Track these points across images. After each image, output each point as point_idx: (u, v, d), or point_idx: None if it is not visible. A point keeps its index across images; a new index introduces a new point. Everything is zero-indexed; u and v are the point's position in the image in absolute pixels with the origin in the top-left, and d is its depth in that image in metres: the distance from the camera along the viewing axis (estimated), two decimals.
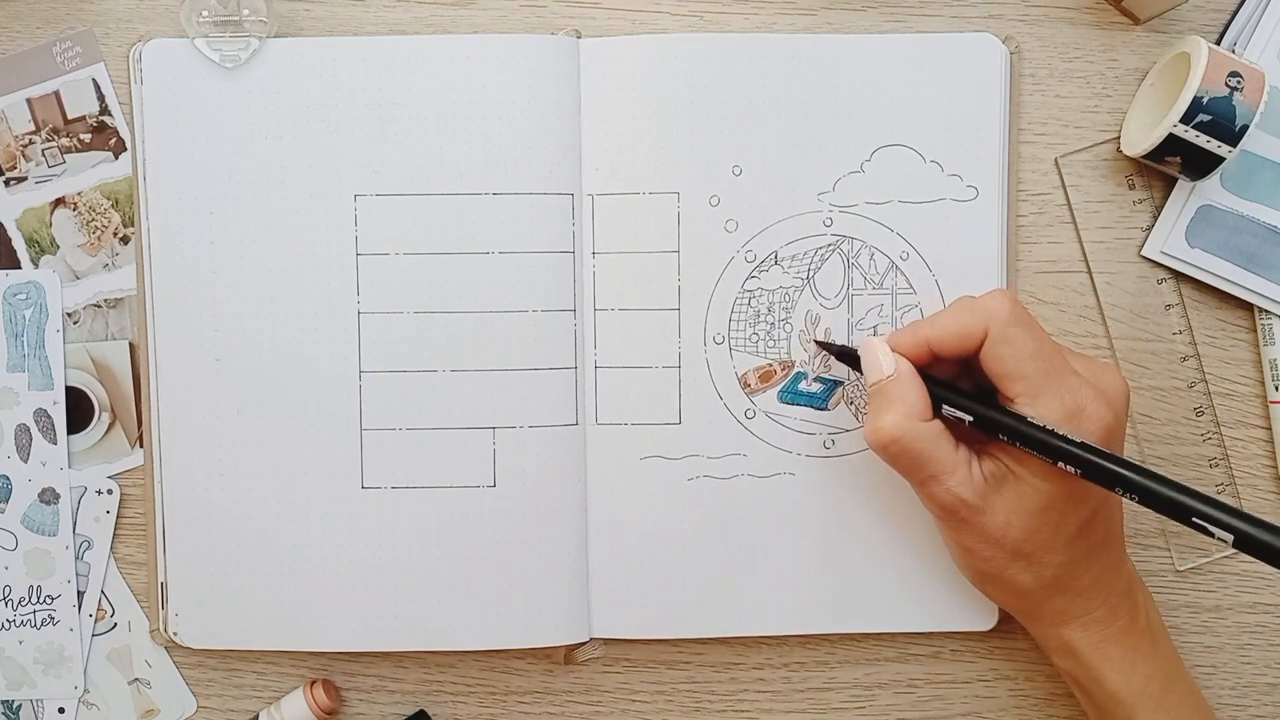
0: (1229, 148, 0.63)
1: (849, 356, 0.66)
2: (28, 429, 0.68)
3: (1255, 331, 0.69)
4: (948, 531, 0.62)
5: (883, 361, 0.61)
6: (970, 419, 0.60)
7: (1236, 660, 0.70)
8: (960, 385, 0.62)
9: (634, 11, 0.68)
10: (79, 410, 0.68)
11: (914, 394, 0.60)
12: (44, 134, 0.68)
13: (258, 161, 0.66)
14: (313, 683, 0.69)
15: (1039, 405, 0.58)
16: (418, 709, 0.70)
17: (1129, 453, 0.69)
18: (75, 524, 0.69)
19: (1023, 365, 0.58)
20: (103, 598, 0.69)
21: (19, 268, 0.68)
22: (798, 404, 0.67)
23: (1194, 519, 0.55)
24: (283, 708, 0.68)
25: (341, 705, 0.70)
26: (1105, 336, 0.69)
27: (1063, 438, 0.57)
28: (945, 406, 0.61)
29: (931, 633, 0.70)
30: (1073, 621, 0.62)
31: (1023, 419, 0.58)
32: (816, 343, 0.67)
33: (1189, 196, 0.68)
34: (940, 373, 0.62)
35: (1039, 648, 0.67)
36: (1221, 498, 0.69)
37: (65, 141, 0.68)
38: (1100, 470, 0.56)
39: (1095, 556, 0.61)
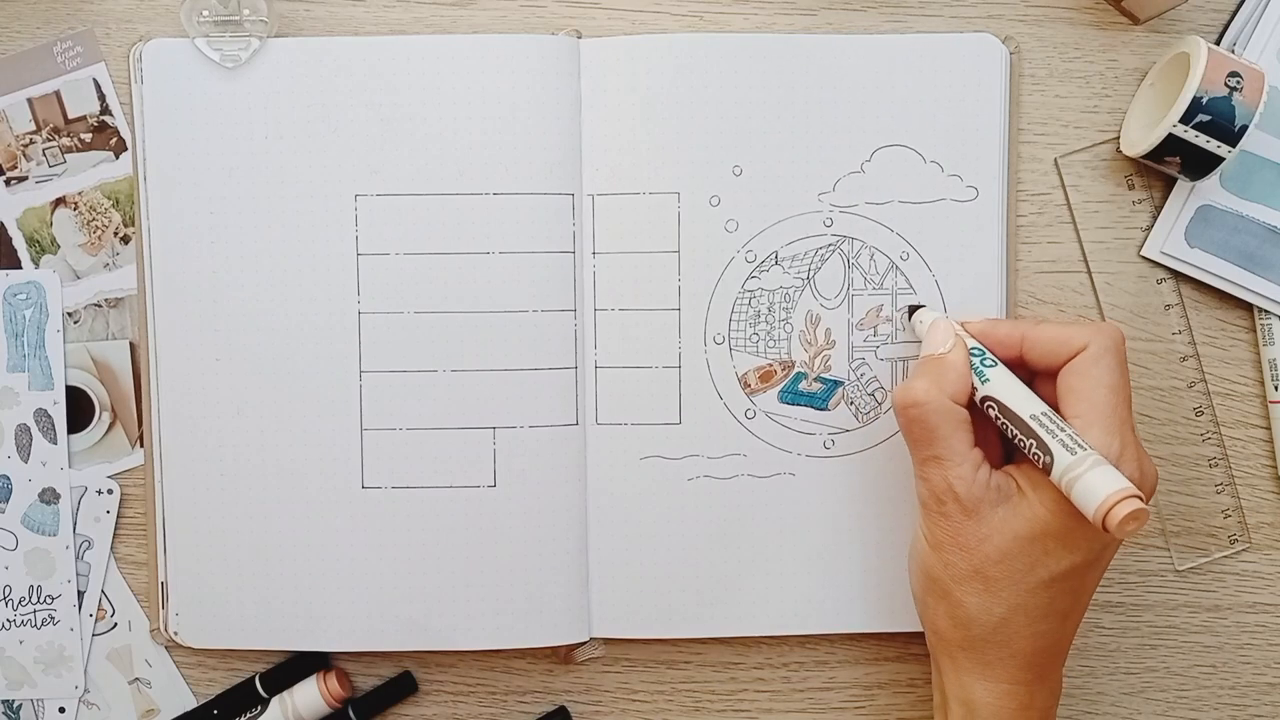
0: (1228, 148, 0.63)
1: (911, 309, 0.66)
2: (28, 429, 0.68)
3: (1255, 331, 0.69)
4: (926, 522, 0.61)
5: (943, 339, 0.61)
6: (1000, 403, 0.59)
7: (1236, 660, 0.70)
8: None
9: (634, 11, 0.68)
10: (79, 410, 0.68)
11: (956, 374, 0.60)
12: (45, 134, 0.68)
13: (258, 161, 0.66)
14: (325, 671, 0.69)
15: (1091, 433, 0.57)
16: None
17: None
18: (75, 524, 0.69)
19: (1099, 392, 0.58)
20: (103, 597, 0.69)
21: (19, 267, 0.68)
22: (798, 404, 0.67)
23: None
24: (295, 695, 0.68)
25: (353, 695, 0.70)
26: None
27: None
28: (988, 405, 0.60)
29: None
30: (985, 681, 0.61)
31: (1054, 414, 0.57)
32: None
33: (1188, 197, 0.68)
34: None
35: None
36: (1221, 498, 0.69)
37: (66, 141, 0.68)
38: None
39: (1047, 621, 0.60)
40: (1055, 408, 0.58)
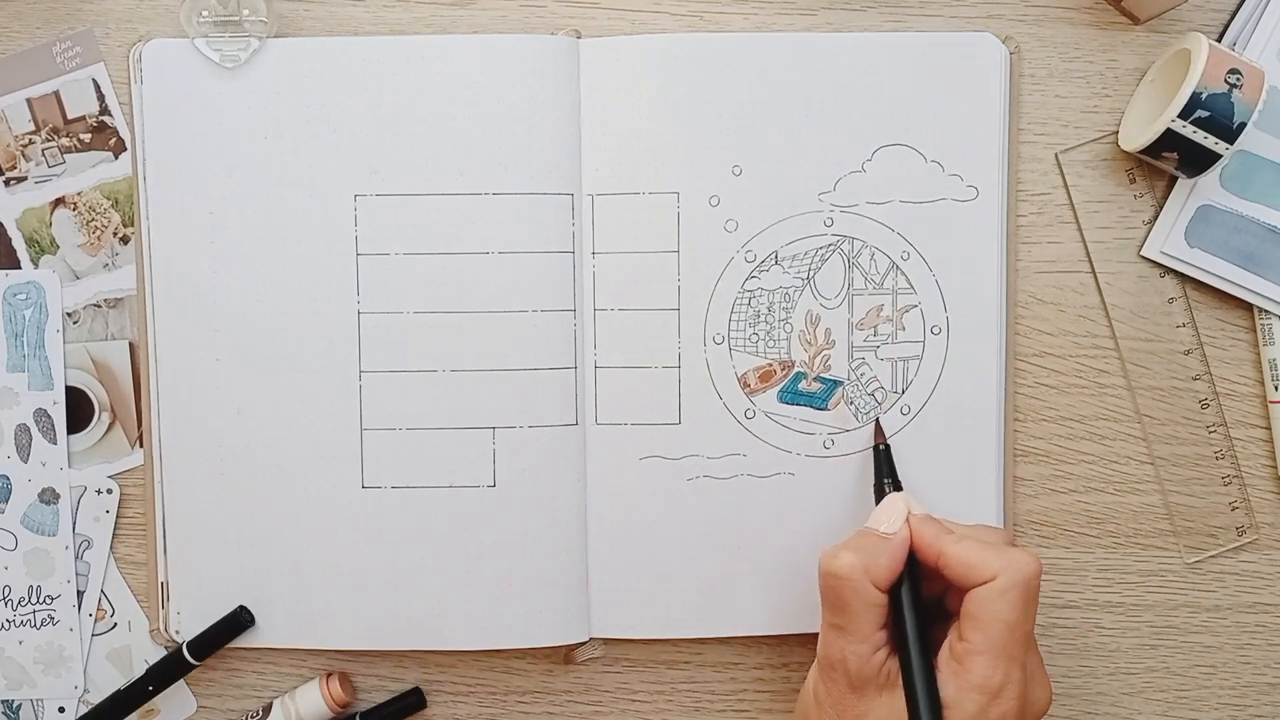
0: (1226, 145, 0.63)
1: (881, 467, 0.66)
2: (28, 429, 0.68)
3: (1255, 331, 0.69)
4: (818, 676, 0.61)
5: (892, 519, 0.61)
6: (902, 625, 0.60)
7: (1236, 660, 0.70)
8: (925, 600, 0.61)
9: (634, 11, 0.68)
10: (79, 410, 0.68)
11: (888, 560, 0.60)
12: (44, 134, 0.68)
13: (258, 161, 0.66)
14: (328, 675, 0.69)
15: (975, 662, 0.57)
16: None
17: (1134, 449, 0.69)
18: (75, 524, 0.69)
19: (995, 625, 0.57)
20: (103, 597, 0.69)
21: (19, 268, 0.68)
22: (797, 404, 0.67)
23: None
24: (297, 698, 0.68)
25: (355, 698, 0.70)
26: (1110, 336, 0.69)
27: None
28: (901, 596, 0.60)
29: None
30: None
31: (930, 676, 0.58)
32: (878, 431, 0.67)
33: (1188, 196, 0.68)
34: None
35: None
36: (1228, 489, 0.69)
37: (65, 141, 0.68)
38: None
39: None
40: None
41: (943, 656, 0.58)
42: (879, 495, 0.65)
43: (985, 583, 0.58)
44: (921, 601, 0.60)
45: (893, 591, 0.60)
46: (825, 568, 0.59)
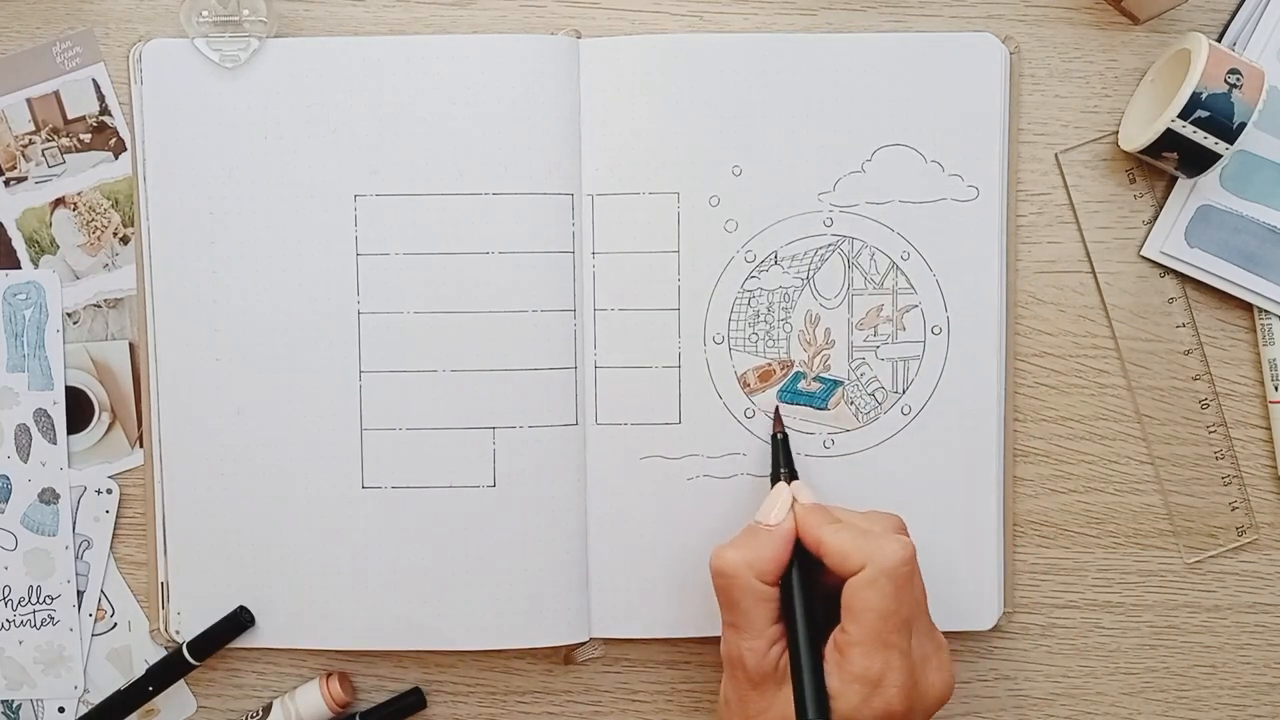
0: (1226, 145, 0.63)
1: (778, 455, 0.66)
2: (28, 429, 0.68)
3: (1255, 331, 0.69)
4: (725, 678, 0.62)
5: (775, 511, 0.62)
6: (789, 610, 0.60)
7: (1236, 660, 0.70)
8: (821, 583, 0.61)
9: (634, 11, 0.68)
10: (79, 410, 0.68)
11: (771, 552, 0.60)
12: (44, 134, 0.68)
13: (258, 161, 0.66)
14: (328, 675, 0.69)
15: (853, 653, 0.57)
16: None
17: (1134, 449, 0.69)
18: (75, 524, 0.69)
19: (867, 615, 0.57)
20: (103, 597, 0.69)
21: (19, 268, 0.68)
22: (797, 403, 0.67)
23: None
24: (297, 698, 0.68)
25: (355, 698, 0.70)
26: (1110, 336, 0.69)
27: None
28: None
29: None
30: None
31: (817, 667, 0.58)
32: (777, 420, 0.67)
33: (1188, 196, 0.68)
34: None
35: (1027, 651, 0.68)
36: (1228, 489, 0.69)
37: (65, 141, 0.68)
38: None
39: None
40: None
41: (829, 648, 0.59)
42: (774, 483, 0.65)
43: (855, 573, 0.58)
44: (814, 593, 0.60)
45: (784, 583, 0.60)
46: (713, 566, 0.60)
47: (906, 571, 0.58)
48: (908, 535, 0.61)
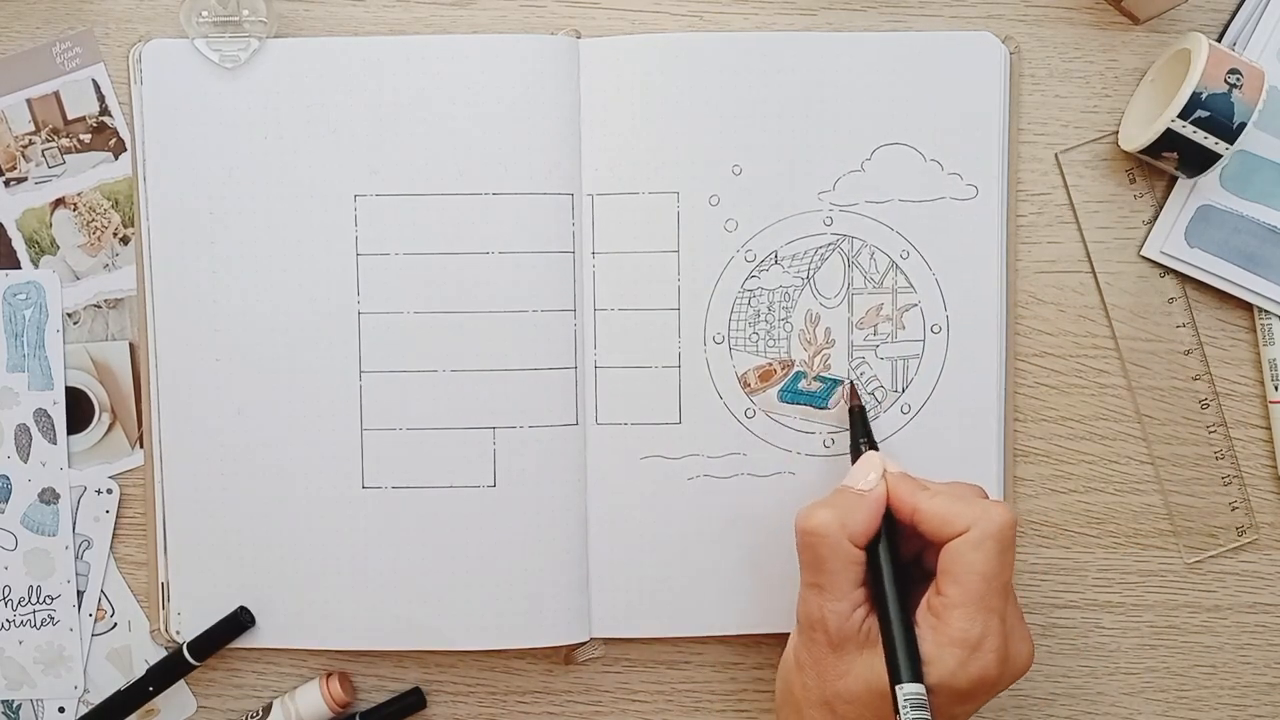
0: (1226, 145, 0.63)
1: (857, 427, 0.66)
2: (28, 429, 0.68)
3: (1255, 331, 0.69)
4: (799, 638, 0.61)
5: (869, 475, 0.61)
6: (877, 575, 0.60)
7: (1236, 660, 0.70)
8: (904, 560, 0.61)
9: (634, 11, 0.68)
10: (79, 411, 0.68)
11: (864, 516, 0.60)
12: (44, 134, 0.68)
13: (258, 161, 0.66)
14: (328, 675, 0.69)
15: (952, 615, 0.57)
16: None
17: (1134, 449, 0.69)
18: (75, 524, 0.69)
19: (970, 577, 0.57)
20: (103, 598, 0.69)
21: (19, 268, 0.68)
22: (797, 403, 0.67)
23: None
24: (297, 698, 0.68)
25: (355, 698, 0.70)
26: (1110, 336, 0.69)
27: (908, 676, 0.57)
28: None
29: None
30: None
31: (908, 624, 0.58)
32: (852, 393, 0.67)
33: (1188, 196, 0.68)
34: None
35: None
36: (1228, 489, 0.69)
37: (65, 142, 0.68)
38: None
39: None
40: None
41: (921, 612, 0.58)
42: (855, 455, 0.65)
43: (959, 535, 0.58)
44: (899, 559, 0.60)
45: (870, 549, 0.60)
46: (802, 525, 0.59)
47: (1012, 536, 0.58)
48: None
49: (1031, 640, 0.60)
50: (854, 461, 0.64)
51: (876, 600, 0.59)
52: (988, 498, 0.62)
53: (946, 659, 0.57)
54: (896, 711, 0.56)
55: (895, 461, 0.63)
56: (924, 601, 0.59)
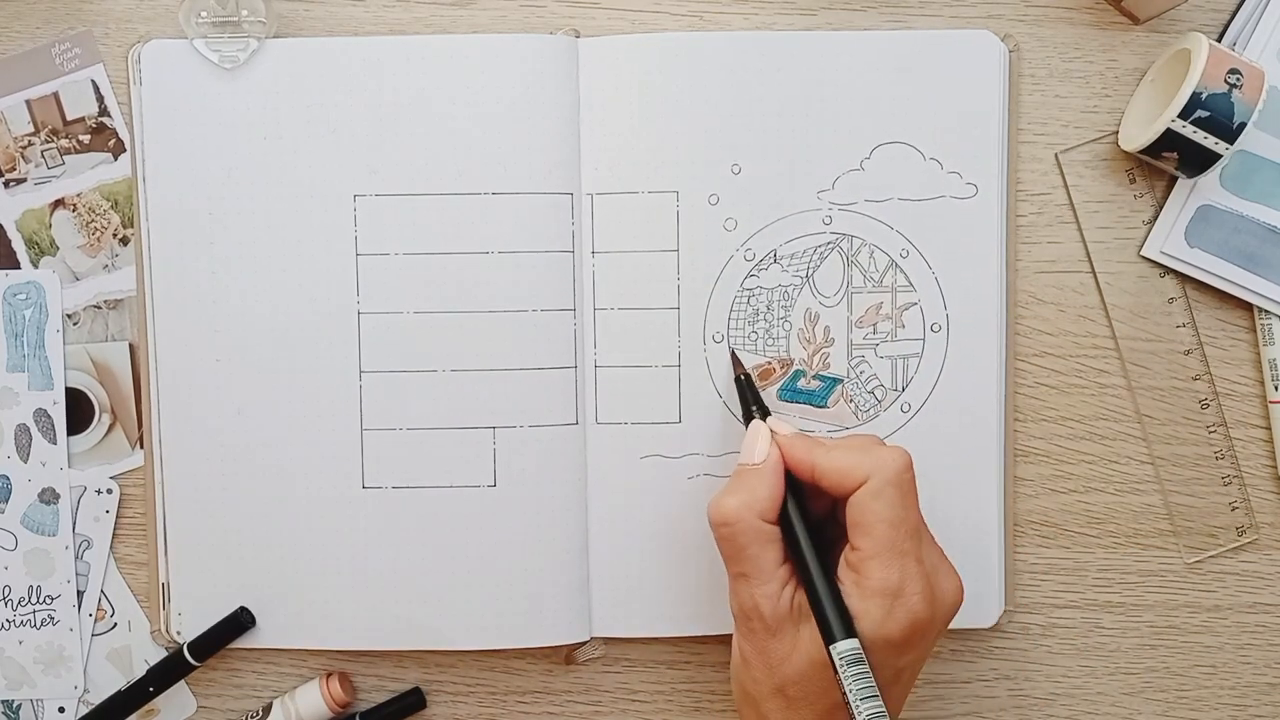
0: (1226, 145, 0.63)
1: (746, 395, 0.65)
2: (27, 429, 0.68)
3: (1255, 331, 0.69)
4: (738, 636, 0.60)
5: (757, 447, 0.61)
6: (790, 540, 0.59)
7: (1236, 660, 0.70)
8: (811, 510, 0.60)
9: (634, 11, 0.68)
10: (79, 411, 0.68)
11: (766, 489, 0.59)
12: (43, 135, 0.68)
13: (257, 161, 0.66)
14: (328, 675, 0.69)
15: (871, 566, 0.57)
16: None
17: (1134, 449, 0.69)
18: (75, 524, 0.69)
19: (878, 526, 0.57)
20: (103, 598, 0.69)
21: (19, 269, 0.68)
22: (797, 402, 0.67)
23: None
24: (297, 698, 0.68)
25: (355, 698, 0.70)
26: (1110, 336, 0.69)
27: (840, 627, 0.56)
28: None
29: None
30: None
31: (831, 583, 0.58)
32: (736, 362, 0.67)
33: (1188, 196, 0.68)
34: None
35: (1027, 651, 0.68)
36: (1228, 489, 0.69)
37: (64, 143, 0.68)
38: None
39: None
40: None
41: (841, 569, 0.58)
42: (747, 425, 0.64)
43: (860, 486, 0.58)
44: (812, 521, 0.60)
45: (782, 520, 0.59)
46: (714, 518, 0.59)
47: (909, 477, 0.58)
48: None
49: (957, 573, 0.60)
50: (744, 402, 0.65)
51: (799, 570, 0.59)
52: (883, 443, 0.62)
53: (873, 610, 0.56)
54: (836, 672, 0.55)
55: (787, 423, 0.62)
56: (841, 559, 0.58)
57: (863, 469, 0.58)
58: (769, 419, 0.63)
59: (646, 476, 0.67)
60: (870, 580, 0.57)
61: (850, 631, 0.56)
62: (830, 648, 0.56)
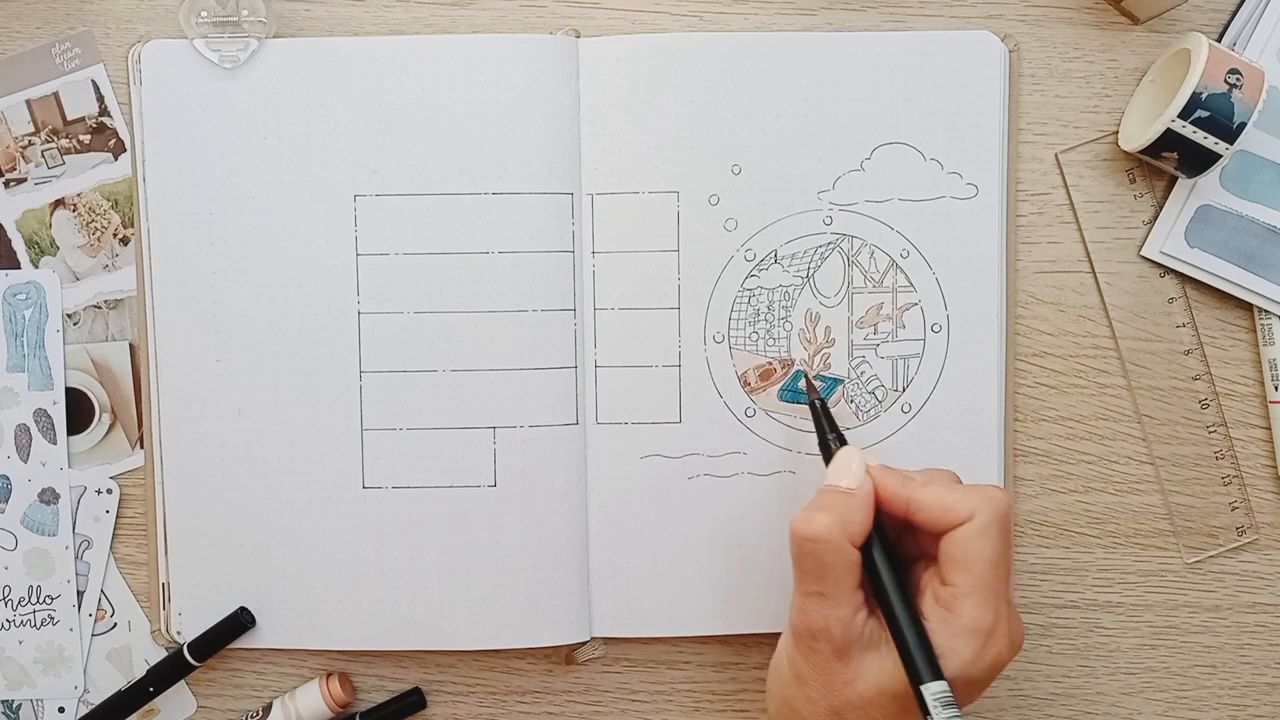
0: (1226, 145, 0.63)
1: (821, 422, 0.64)
2: (28, 429, 0.68)
3: (1255, 331, 0.69)
4: (795, 652, 0.59)
5: (853, 472, 0.59)
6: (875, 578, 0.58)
7: (1236, 660, 0.70)
8: (894, 546, 0.60)
9: (634, 11, 0.68)
10: (79, 411, 0.68)
11: (860, 516, 0.58)
12: (43, 135, 0.68)
13: (258, 162, 0.66)
14: (328, 675, 0.69)
15: (965, 604, 0.56)
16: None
17: (1134, 449, 0.69)
18: (75, 524, 0.69)
19: (978, 565, 0.56)
20: (103, 598, 0.69)
21: (19, 269, 0.68)
22: (798, 402, 0.67)
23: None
24: (297, 698, 0.68)
25: (355, 698, 0.70)
26: (1110, 336, 0.69)
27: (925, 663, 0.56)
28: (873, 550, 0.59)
29: None
30: None
31: (921, 628, 0.57)
32: (810, 387, 0.66)
33: (1188, 197, 0.68)
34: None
35: (1027, 650, 0.68)
36: (1228, 489, 0.69)
37: (64, 143, 0.68)
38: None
39: None
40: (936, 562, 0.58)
41: (928, 605, 0.57)
42: (825, 451, 0.63)
43: (961, 524, 0.57)
44: (892, 553, 0.59)
45: (864, 547, 0.58)
46: (800, 533, 0.57)
47: (1011, 518, 0.58)
48: None
49: (1021, 622, 0.59)
50: (825, 458, 0.63)
51: (879, 601, 0.58)
52: (961, 482, 0.61)
53: (961, 650, 0.56)
54: (926, 713, 0.55)
55: (868, 452, 0.62)
56: (929, 594, 0.58)
57: (966, 506, 0.57)
58: (854, 446, 0.62)
59: (646, 476, 0.67)
60: (963, 619, 0.56)
61: (940, 672, 0.55)
62: (922, 688, 0.55)
